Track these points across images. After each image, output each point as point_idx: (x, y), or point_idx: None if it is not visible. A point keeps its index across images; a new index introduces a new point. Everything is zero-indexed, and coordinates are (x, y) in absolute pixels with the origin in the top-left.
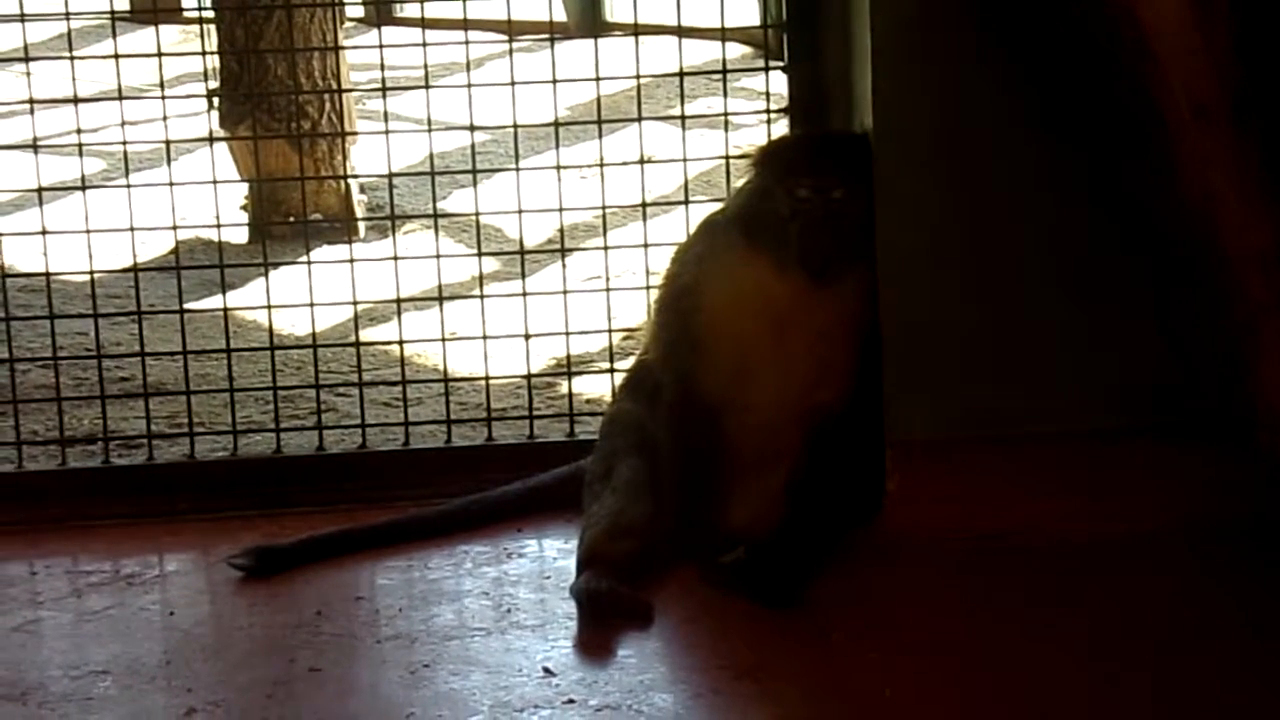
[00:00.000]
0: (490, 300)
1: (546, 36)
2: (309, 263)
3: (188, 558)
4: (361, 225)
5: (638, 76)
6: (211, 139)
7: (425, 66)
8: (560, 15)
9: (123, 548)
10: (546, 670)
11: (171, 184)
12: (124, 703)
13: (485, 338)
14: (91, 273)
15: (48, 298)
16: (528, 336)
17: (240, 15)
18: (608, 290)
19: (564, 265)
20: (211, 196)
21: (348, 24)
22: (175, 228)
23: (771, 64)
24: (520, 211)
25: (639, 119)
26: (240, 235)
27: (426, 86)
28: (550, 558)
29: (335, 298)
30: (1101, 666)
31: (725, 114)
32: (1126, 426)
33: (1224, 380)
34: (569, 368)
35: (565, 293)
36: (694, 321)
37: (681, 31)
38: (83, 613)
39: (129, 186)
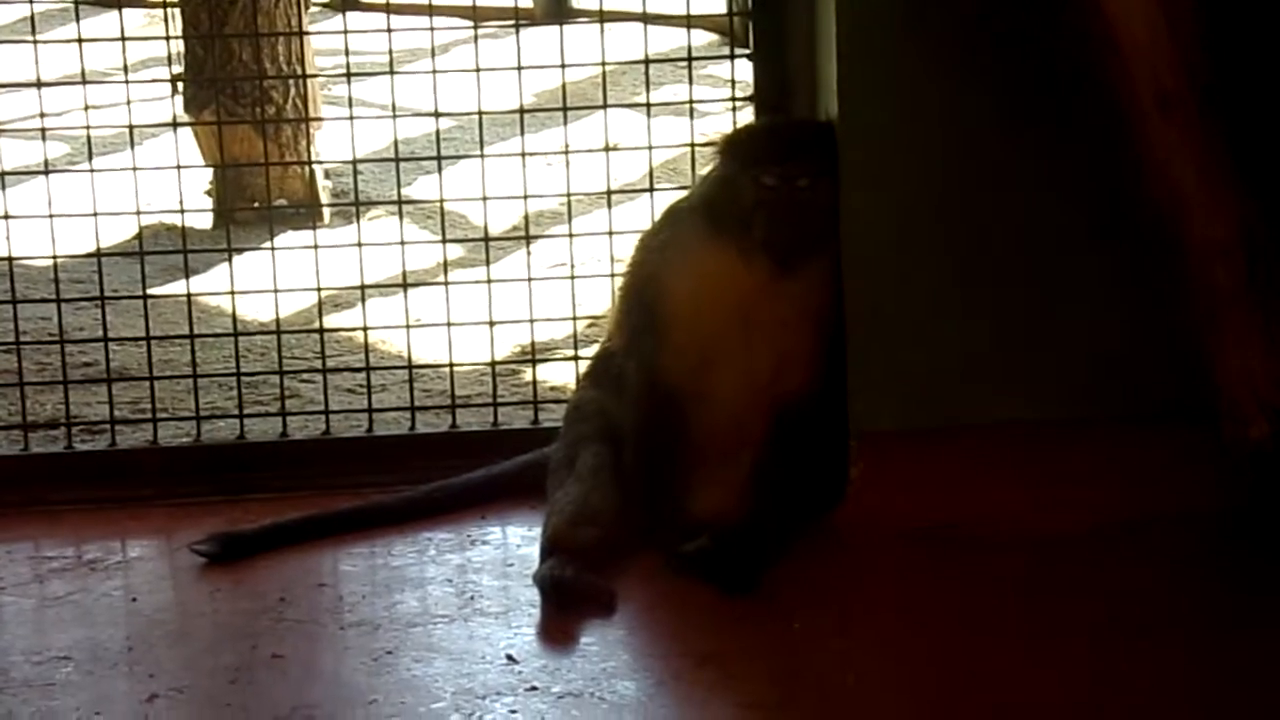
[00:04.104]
0: (455, 287)
1: (512, 23)
2: (273, 248)
3: (151, 543)
4: (326, 211)
5: (603, 63)
6: (175, 124)
7: (390, 52)
8: (526, 1)
9: (85, 533)
10: (509, 657)
11: (135, 169)
12: (86, 688)
13: (450, 324)
14: (54, 257)
15: (10, 282)
16: (492, 324)
17: (204, 0)
18: (572, 278)
19: (529, 252)
20: (175, 181)
21: (312, 9)
22: (139, 213)
23: (737, 51)
24: (485, 198)
25: (604, 106)
26: (204, 221)
27: (391, 72)
28: (514, 545)
29: (299, 283)
30: (1064, 655)
31: (691, 101)
32: (1093, 417)
33: (1189, 371)
34: (533, 355)
35: (530, 280)
36: (658, 310)
37: (647, 18)
38: (45, 598)
39: (92, 171)
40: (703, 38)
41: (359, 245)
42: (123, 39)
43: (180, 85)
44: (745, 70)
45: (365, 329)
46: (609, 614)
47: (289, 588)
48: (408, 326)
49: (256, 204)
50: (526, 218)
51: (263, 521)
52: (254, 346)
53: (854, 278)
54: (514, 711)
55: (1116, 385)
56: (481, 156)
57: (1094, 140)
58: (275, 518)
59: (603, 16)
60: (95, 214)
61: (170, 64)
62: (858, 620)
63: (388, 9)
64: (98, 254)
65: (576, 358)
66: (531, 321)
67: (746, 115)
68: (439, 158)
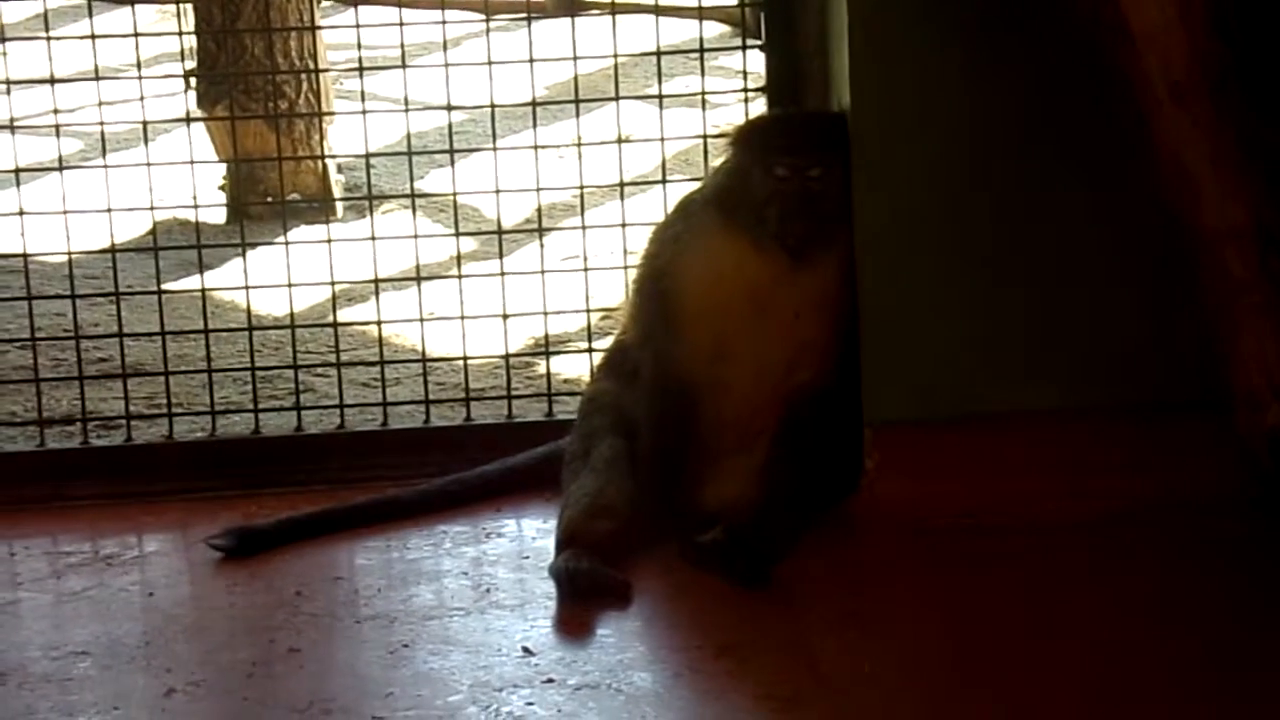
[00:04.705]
0: (468, 280)
1: (524, 16)
2: (287, 243)
3: (167, 538)
4: (339, 205)
5: (615, 55)
6: (189, 119)
7: (402, 46)
8: None
9: (102, 528)
10: (526, 649)
11: (149, 164)
12: (104, 683)
13: (463, 318)
14: (69, 253)
15: (25, 279)
16: (506, 316)
17: None
18: (585, 270)
19: (542, 245)
20: (189, 177)
21: (324, 3)
22: (153, 208)
23: (749, 42)
24: (498, 191)
25: (616, 98)
26: (218, 216)
27: (404, 66)
28: (529, 537)
29: (313, 278)
30: (1081, 645)
31: (703, 93)
32: (1105, 405)
33: (1205, 358)
34: (547, 347)
35: (543, 272)
36: (672, 301)
37: (659, 10)
38: (62, 593)
39: (106, 167)
40: (714, 29)
41: (372, 239)
42: (135, 35)
43: (193, 81)
44: (757, 61)
45: (379, 323)
46: (625, 606)
47: (305, 581)
48: (421, 320)
49: (270, 199)
50: (539, 210)
51: (278, 516)
52: (268, 341)
53: (867, 267)
54: (531, 703)
55: (1132, 373)
56: (494, 149)
57: (1107, 128)
58: (291, 512)
59: (614, 9)
60: (109, 210)
61: (183, 60)
62: (873, 611)
63: (400, 3)
64: (112, 250)
65: (590, 350)
66: (545, 314)
67: (758, 106)
68: (451, 151)
